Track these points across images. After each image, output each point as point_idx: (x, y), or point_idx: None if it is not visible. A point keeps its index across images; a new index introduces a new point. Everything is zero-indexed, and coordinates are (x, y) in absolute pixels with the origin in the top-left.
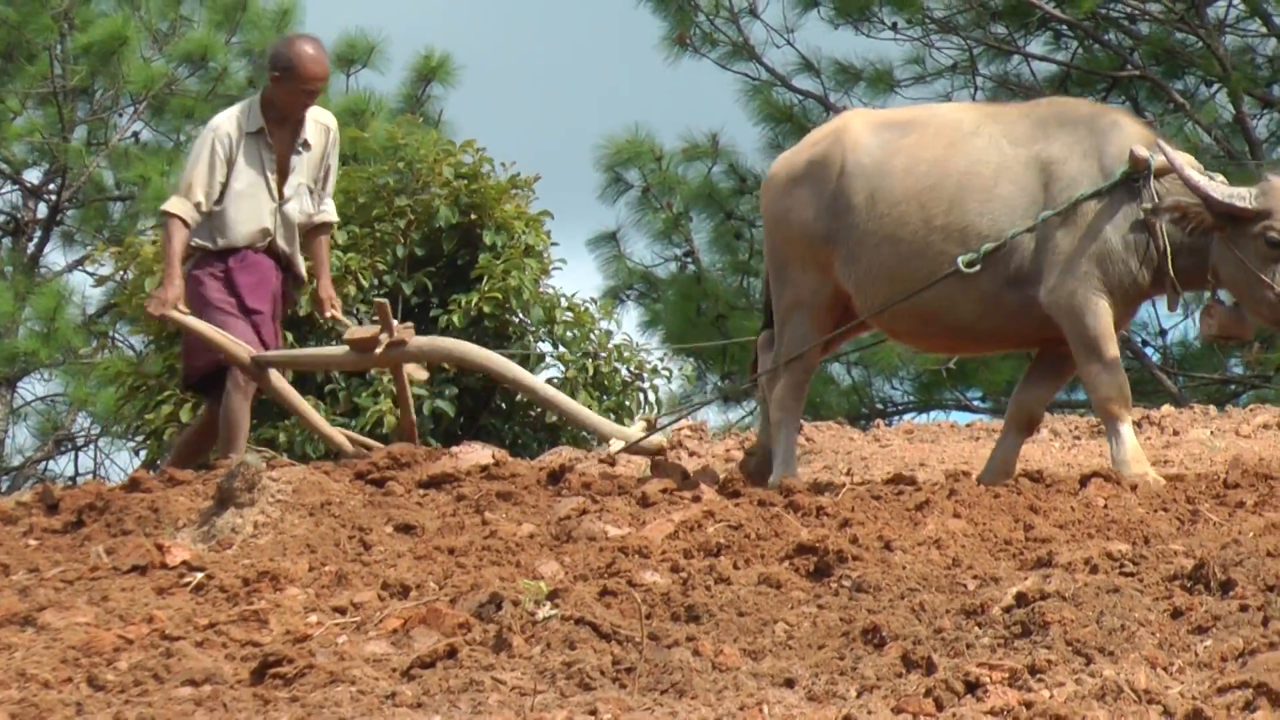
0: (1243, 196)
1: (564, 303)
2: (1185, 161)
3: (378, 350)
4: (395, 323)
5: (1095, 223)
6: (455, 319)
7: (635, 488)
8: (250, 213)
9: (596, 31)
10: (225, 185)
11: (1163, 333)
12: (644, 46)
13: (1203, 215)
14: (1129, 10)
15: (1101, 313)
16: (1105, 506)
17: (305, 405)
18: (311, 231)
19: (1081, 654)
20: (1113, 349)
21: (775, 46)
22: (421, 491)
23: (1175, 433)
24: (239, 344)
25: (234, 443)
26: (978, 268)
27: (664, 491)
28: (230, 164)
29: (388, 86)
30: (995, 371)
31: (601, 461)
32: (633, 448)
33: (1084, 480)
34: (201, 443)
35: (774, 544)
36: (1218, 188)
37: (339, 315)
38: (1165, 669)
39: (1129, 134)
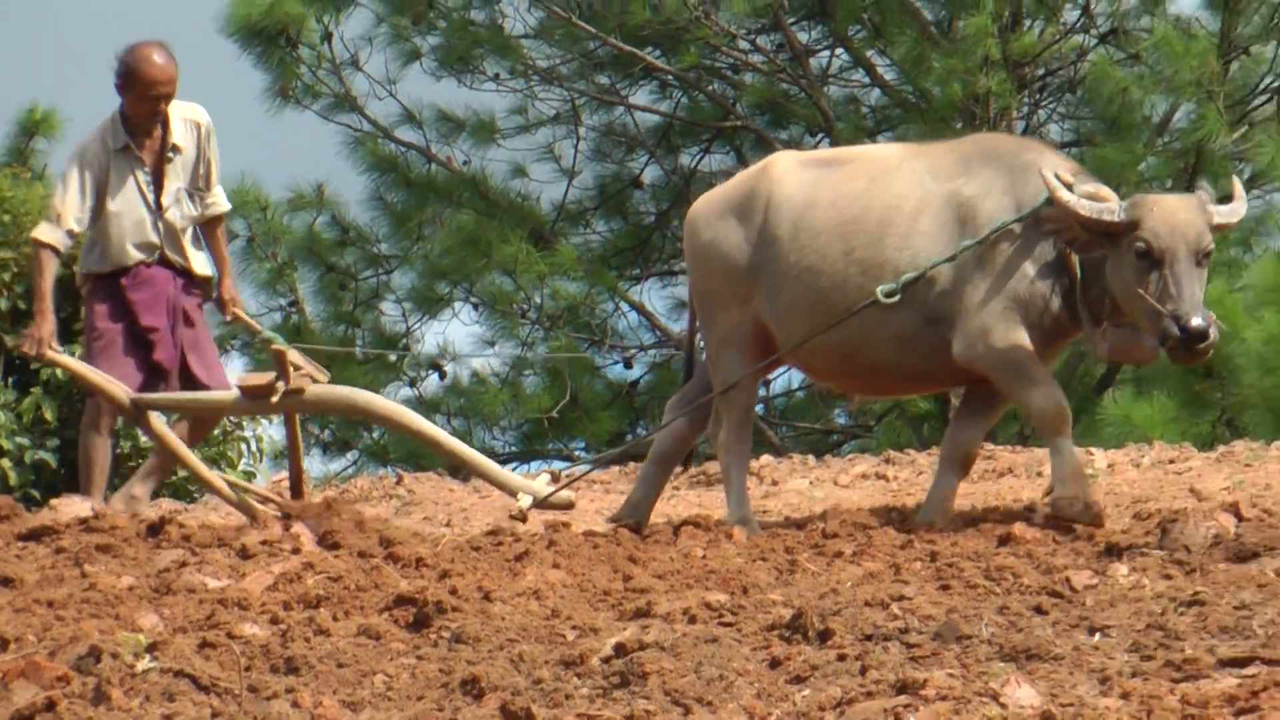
0: (1111, 210)
1: None
2: (1086, 192)
3: (274, 399)
4: (293, 369)
5: (1011, 262)
6: (58, 372)
7: (235, 539)
8: (132, 230)
9: (201, 80)
10: (101, 207)
11: (766, 383)
12: (248, 97)
13: (1077, 230)
14: (732, 61)
15: (1020, 340)
16: (704, 557)
17: (185, 449)
18: (206, 226)
19: (680, 704)
20: (1041, 369)
21: (378, 98)
22: (20, 544)
23: (774, 483)
24: (116, 384)
25: (92, 481)
26: (897, 298)
27: (263, 543)
28: (103, 185)
29: None
30: (598, 422)
31: (513, 518)
32: (543, 503)
33: (676, 529)
34: (160, 465)
35: (373, 595)
36: (1086, 204)
37: (241, 315)
38: (764, 719)
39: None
